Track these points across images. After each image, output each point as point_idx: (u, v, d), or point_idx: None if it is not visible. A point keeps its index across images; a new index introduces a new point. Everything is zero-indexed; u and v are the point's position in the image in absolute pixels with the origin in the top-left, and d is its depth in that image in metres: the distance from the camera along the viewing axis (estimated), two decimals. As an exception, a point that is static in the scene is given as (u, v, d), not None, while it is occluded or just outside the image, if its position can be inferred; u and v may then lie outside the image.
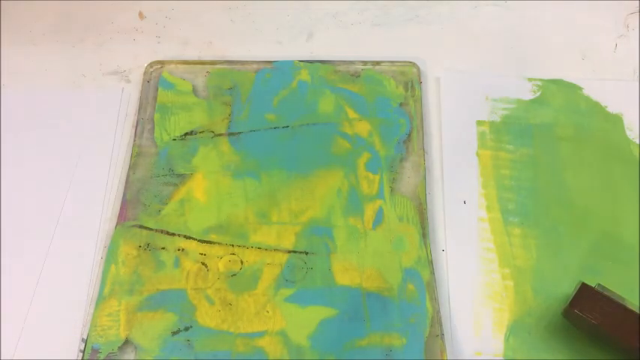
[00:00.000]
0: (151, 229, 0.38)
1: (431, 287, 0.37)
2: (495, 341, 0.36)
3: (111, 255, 0.38)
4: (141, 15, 0.49)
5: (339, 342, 0.35)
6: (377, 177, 0.40)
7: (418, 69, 0.45)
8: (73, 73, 0.46)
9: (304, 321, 0.36)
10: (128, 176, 0.40)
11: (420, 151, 0.42)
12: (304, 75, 0.45)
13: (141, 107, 0.43)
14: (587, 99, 0.44)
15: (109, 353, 0.35)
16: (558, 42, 0.48)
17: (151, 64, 0.45)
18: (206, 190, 0.40)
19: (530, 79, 0.45)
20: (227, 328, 0.35)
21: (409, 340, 0.35)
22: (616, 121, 0.43)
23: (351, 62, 0.45)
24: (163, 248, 0.38)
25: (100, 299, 0.36)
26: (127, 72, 0.46)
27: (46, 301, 0.37)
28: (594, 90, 0.44)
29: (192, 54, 0.47)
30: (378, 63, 0.45)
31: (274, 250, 0.38)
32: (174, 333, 0.35)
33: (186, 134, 0.42)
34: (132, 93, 0.45)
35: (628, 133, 0.43)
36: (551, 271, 0.38)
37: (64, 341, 0.35)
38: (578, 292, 0.33)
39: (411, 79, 0.45)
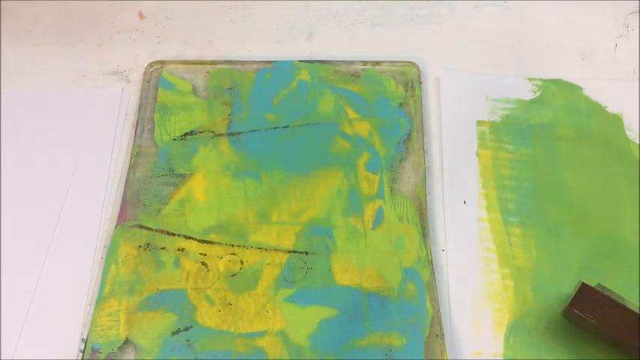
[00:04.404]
0: (151, 229, 0.38)
1: (431, 287, 0.37)
2: (495, 341, 0.36)
3: (111, 255, 0.38)
4: (141, 15, 0.49)
5: (339, 342, 0.35)
6: (377, 177, 0.40)
7: (418, 69, 0.45)
8: (73, 73, 0.46)
9: (304, 321, 0.36)
10: (128, 176, 0.41)
11: (420, 151, 0.42)
12: (304, 75, 0.45)
13: (141, 107, 0.43)
14: (587, 99, 0.44)
15: (109, 353, 0.35)
16: (558, 42, 0.48)
17: (150, 64, 0.45)
18: (206, 190, 0.40)
19: (530, 79, 0.45)
20: (227, 328, 0.35)
21: (409, 340, 0.35)
22: (616, 121, 0.43)
23: (351, 62, 0.45)
24: (163, 248, 0.38)
25: (100, 299, 0.36)
26: (127, 72, 0.46)
27: (46, 301, 0.37)
28: (594, 90, 0.44)
29: (192, 54, 0.47)
30: (378, 63, 0.45)
31: (274, 250, 0.38)
32: (174, 333, 0.35)
33: (186, 134, 0.42)
34: (132, 93, 0.45)
35: (628, 133, 0.43)
36: (551, 271, 0.38)
37: (64, 341, 0.35)
38: (578, 292, 0.34)
39: (411, 79, 0.45)
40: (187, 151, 0.42)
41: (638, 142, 0.42)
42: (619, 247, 0.38)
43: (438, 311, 0.36)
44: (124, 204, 0.39)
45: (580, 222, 0.39)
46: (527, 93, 0.44)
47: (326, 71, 0.45)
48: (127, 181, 0.40)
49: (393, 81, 0.45)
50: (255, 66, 0.45)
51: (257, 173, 0.41)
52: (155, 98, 0.44)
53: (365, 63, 0.45)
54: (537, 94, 0.44)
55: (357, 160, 0.41)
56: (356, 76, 0.45)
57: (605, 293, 0.33)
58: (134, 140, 0.42)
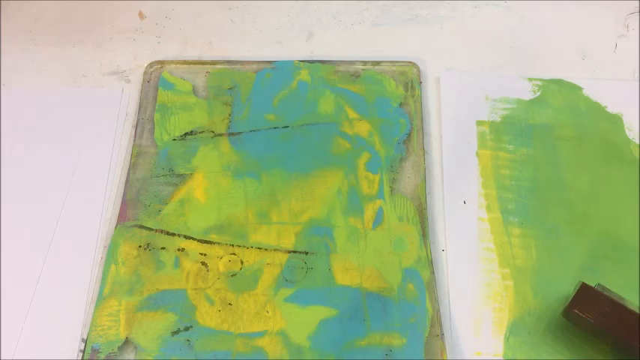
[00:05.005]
0: (151, 229, 0.38)
1: (431, 287, 0.37)
2: (495, 341, 0.36)
3: (111, 255, 0.38)
4: (141, 15, 0.49)
5: (339, 342, 0.35)
6: (377, 177, 0.40)
7: (418, 69, 0.45)
8: (73, 73, 0.46)
9: (304, 321, 0.36)
10: (128, 176, 0.40)
11: (420, 151, 0.42)
12: (304, 75, 0.45)
13: (141, 107, 0.43)
14: (587, 99, 0.44)
15: (109, 353, 0.35)
16: (558, 42, 0.48)
17: (150, 64, 0.45)
18: (206, 190, 0.40)
19: (530, 79, 0.45)
20: (227, 328, 0.35)
21: (409, 340, 0.35)
22: (616, 121, 0.43)
23: (351, 62, 0.45)
24: (163, 248, 0.38)
25: (100, 299, 0.36)
26: (127, 72, 0.46)
27: (46, 301, 0.37)
28: (594, 90, 0.44)
29: (192, 54, 0.47)
30: (378, 63, 0.45)
31: (274, 250, 0.38)
32: (174, 333, 0.35)
33: (186, 134, 0.42)
34: (132, 93, 0.45)
35: (628, 133, 0.43)
36: (551, 271, 0.38)
37: (64, 341, 0.35)
38: (578, 292, 0.34)
39: (411, 79, 0.45)
40: (187, 151, 0.42)
41: (638, 142, 0.42)
42: (619, 247, 0.38)
43: (438, 311, 0.36)
44: (124, 204, 0.39)
45: (580, 222, 0.39)
46: (527, 93, 0.44)
47: (326, 71, 0.45)
48: (127, 181, 0.40)
49: (393, 81, 0.45)
50: (255, 66, 0.45)
51: (257, 173, 0.41)
52: (155, 98, 0.44)
53: (365, 63, 0.45)
54: (537, 94, 0.44)
55: (357, 160, 0.41)
56: (356, 76, 0.45)
57: (605, 293, 0.33)
58: (134, 140, 0.42)
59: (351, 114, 0.43)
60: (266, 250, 0.38)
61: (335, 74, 0.45)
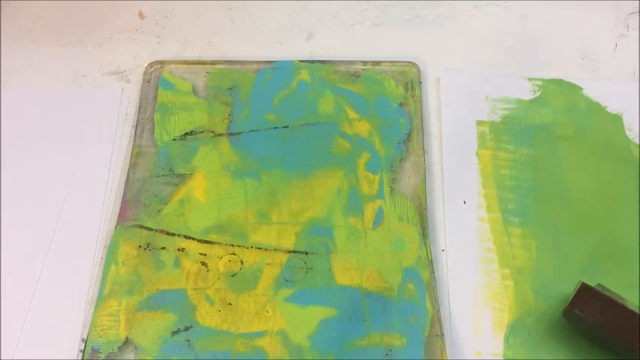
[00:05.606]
0: (151, 229, 0.38)
1: (431, 287, 0.37)
2: (495, 341, 0.36)
3: (111, 255, 0.38)
4: (141, 15, 0.49)
5: (339, 342, 0.35)
6: (377, 177, 0.40)
7: (418, 69, 0.45)
8: (73, 73, 0.46)
9: (304, 321, 0.36)
10: (128, 176, 0.41)
11: (420, 151, 0.42)
12: (304, 75, 0.45)
13: (141, 107, 0.43)
14: (587, 99, 0.44)
15: (109, 353, 0.35)
16: (558, 42, 0.48)
17: (150, 64, 0.45)
18: (206, 190, 0.40)
19: (530, 79, 0.45)
20: (227, 328, 0.35)
21: (409, 340, 0.35)
22: (616, 121, 0.43)
23: (351, 62, 0.45)
24: (163, 248, 0.38)
25: (100, 299, 0.36)
26: (127, 72, 0.46)
27: (46, 301, 0.37)
28: (594, 90, 0.44)
29: (192, 54, 0.47)
30: (378, 63, 0.45)
31: (274, 250, 0.38)
32: (174, 333, 0.35)
33: (186, 134, 0.42)
34: (132, 93, 0.45)
35: (628, 133, 0.43)
36: (551, 271, 0.38)
37: (64, 341, 0.35)
38: (578, 292, 0.34)
39: (411, 79, 0.45)
40: (187, 151, 0.42)
41: (638, 142, 0.42)
42: (619, 247, 0.38)
43: (438, 311, 0.36)
44: (124, 204, 0.39)
45: (580, 222, 0.39)
46: (527, 93, 0.44)
47: (326, 71, 0.45)
48: (127, 181, 0.40)
49: (393, 81, 0.45)
50: (255, 66, 0.45)
51: (257, 173, 0.41)
52: (155, 98, 0.44)
53: (365, 63, 0.45)
54: (537, 94, 0.44)
55: (357, 160, 0.41)
56: (356, 76, 0.45)
57: (605, 293, 0.33)
58: (134, 140, 0.42)
59: (351, 114, 0.43)
60: (266, 250, 0.38)
61: (335, 74, 0.45)
